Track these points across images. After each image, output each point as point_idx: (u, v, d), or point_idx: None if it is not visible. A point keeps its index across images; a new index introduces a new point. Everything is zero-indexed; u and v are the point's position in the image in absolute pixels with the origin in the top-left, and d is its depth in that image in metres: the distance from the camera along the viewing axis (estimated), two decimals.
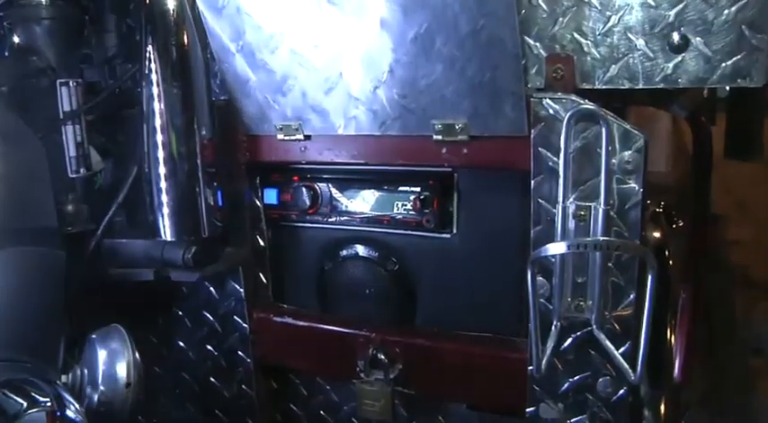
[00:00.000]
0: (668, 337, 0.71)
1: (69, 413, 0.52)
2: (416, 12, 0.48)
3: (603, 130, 0.46)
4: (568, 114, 0.47)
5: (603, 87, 0.50)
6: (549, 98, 0.48)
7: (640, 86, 0.50)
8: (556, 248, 0.44)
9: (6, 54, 0.59)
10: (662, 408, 0.67)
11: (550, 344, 0.46)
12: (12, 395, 0.47)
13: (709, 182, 0.94)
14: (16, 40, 0.59)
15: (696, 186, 0.95)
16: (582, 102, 0.48)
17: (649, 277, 0.44)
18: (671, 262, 0.83)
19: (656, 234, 0.88)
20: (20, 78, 0.56)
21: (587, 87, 0.51)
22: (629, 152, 0.47)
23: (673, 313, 0.76)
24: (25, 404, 0.48)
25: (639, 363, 0.45)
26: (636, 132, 0.46)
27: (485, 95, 0.49)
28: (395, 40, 0.50)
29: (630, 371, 0.45)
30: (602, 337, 0.47)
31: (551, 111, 0.48)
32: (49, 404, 0.50)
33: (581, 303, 0.48)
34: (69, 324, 0.58)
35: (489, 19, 0.47)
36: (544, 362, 0.44)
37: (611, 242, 0.44)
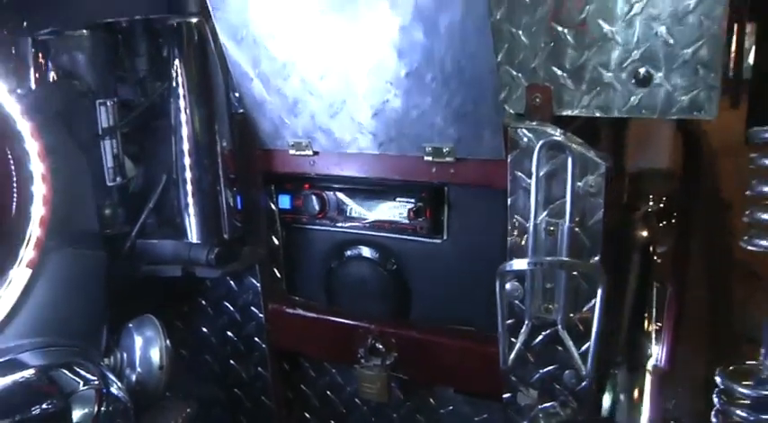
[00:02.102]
0: (647, 328, 0.79)
1: (113, 390, 0.62)
2: (409, 52, 0.56)
3: (570, 158, 0.54)
4: (539, 144, 0.54)
5: (578, 114, 0.58)
6: (525, 128, 0.55)
7: (609, 115, 0.57)
8: (519, 264, 0.53)
9: (51, 80, 0.68)
10: (636, 393, 0.75)
11: (521, 340, 0.55)
12: (68, 374, 0.58)
13: (698, 184, 1.01)
14: (60, 66, 0.68)
15: (684, 187, 1.02)
16: (552, 132, 0.55)
17: (599, 291, 0.52)
18: (655, 258, 0.91)
19: (644, 233, 0.95)
20: (65, 101, 0.65)
21: (564, 114, 0.59)
22: (593, 177, 0.55)
23: (658, 306, 0.84)
24: (81, 382, 0.58)
25: (590, 359, 0.53)
26: (598, 161, 0.54)
27: (468, 124, 0.57)
28: (391, 76, 0.58)
29: (583, 366, 0.53)
30: (565, 335, 0.56)
31: (525, 139, 0.55)
32: (96, 383, 0.61)
33: (549, 306, 0.57)
34: (109, 314, 0.68)
35: (470, 60, 0.54)
36: (512, 357, 0.53)
37: (565, 262, 0.52)
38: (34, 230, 0.57)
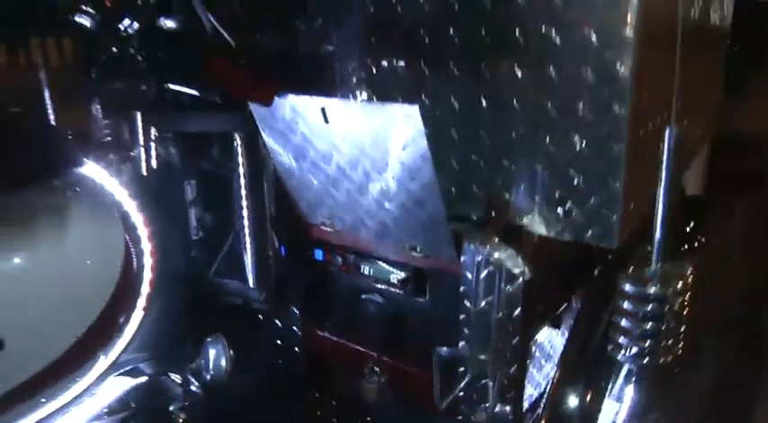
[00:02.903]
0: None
1: (193, 388, 0.92)
2: (388, 187, 0.77)
3: (497, 272, 0.74)
4: (478, 258, 0.75)
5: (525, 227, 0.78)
6: (471, 243, 0.76)
7: (545, 233, 0.76)
8: (452, 352, 0.75)
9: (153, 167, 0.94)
10: None
11: (457, 385, 0.78)
12: (167, 377, 0.88)
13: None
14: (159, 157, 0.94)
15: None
16: (488, 250, 0.74)
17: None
18: None
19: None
20: (163, 183, 0.92)
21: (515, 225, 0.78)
22: (514, 286, 0.75)
23: None
24: (174, 382, 0.88)
25: None
26: (518, 275, 0.74)
27: (430, 234, 0.78)
28: (381, 196, 0.79)
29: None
30: (491, 385, 0.78)
31: (472, 247, 0.76)
32: (182, 383, 0.91)
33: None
34: (192, 333, 0.98)
35: (416, 181, 0.74)
36: (444, 402, 0.76)
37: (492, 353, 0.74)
38: (145, 283, 0.86)
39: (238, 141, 0.89)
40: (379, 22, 0.77)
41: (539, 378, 1.03)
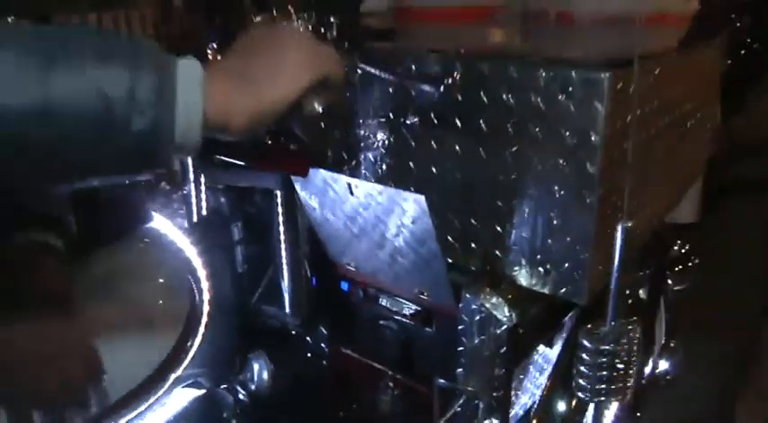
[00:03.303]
0: None
1: (240, 397, 1.12)
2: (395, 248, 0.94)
3: (488, 317, 0.91)
4: (473, 306, 0.92)
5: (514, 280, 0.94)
6: (468, 293, 0.93)
7: (530, 286, 0.93)
8: (449, 383, 0.93)
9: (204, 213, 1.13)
10: None
11: (454, 404, 0.96)
12: (219, 389, 1.08)
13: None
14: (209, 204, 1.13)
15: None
16: (481, 299, 0.89)
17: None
18: None
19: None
20: (213, 227, 1.11)
21: (507, 278, 0.95)
22: (501, 329, 0.92)
23: None
24: (226, 393, 1.08)
25: None
26: (503, 320, 0.91)
27: (434, 285, 0.93)
28: (395, 253, 0.96)
29: None
30: (481, 405, 0.96)
31: (468, 296, 0.93)
32: (231, 392, 1.11)
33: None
34: (239, 350, 1.18)
35: (423, 247, 0.91)
36: (442, 419, 0.94)
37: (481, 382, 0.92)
38: (204, 314, 1.05)
39: (278, 194, 1.07)
40: (396, 114, 0.94)
41: (533, 388, 1.21)
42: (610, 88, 0.76)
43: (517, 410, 1.16)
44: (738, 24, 4.34)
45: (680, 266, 1.67)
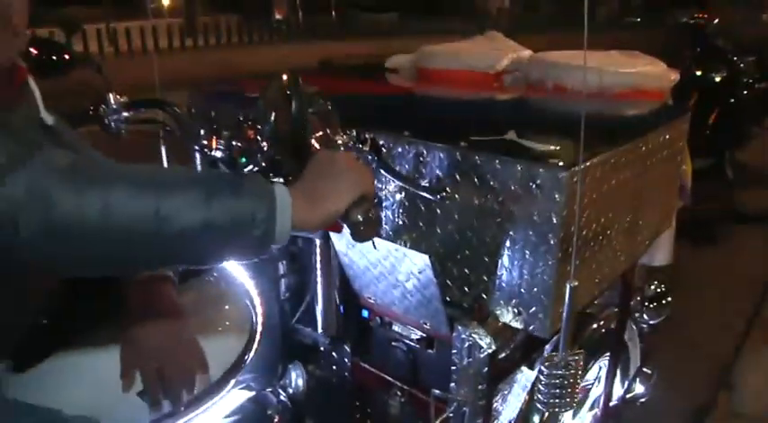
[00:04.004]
0: None
1: (282, 398, 1.43)
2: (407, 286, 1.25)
3: (474, 344, 1.21)
4: (463, 336, 1.22)
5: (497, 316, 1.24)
6: (459, 326, 1.23)
7: (504, 321, 1.23)
8: (442, 394, 1.23)
9: None
10: None
11: (447, 409, 1.26)
12: (266, 392, 1.39)
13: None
14: None
15: None
16: (469, 330, 1.21)
17: None
18: None
19: None
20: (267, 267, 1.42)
21: (491, 313, 1.25)
22: (483, 354, 1.22)
23: None
24: (271, 395, 1.39)
25: None
26: (485, 347, 1.21)
27: (434, 319, 1.24)
28: (405, 293, 1.27)
29: None
30: (467, 413, 1.25)
31: (460, 328, 1.23)
32: (274, 394, 1.42)
33: None
34: (280, 361, 1.48)
35: (426, 290, 1.22)
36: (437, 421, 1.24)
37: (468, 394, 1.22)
38: (258, 332, 1.36)
39: (317, 241, 1.38)
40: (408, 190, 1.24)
41: (515, 402, 1.50)
42: (566, 184, 1.06)
43: (502, 421, 1.46)
44: (742, 65, 4.60)
45: (654, 304, 1.95)
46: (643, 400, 1.96)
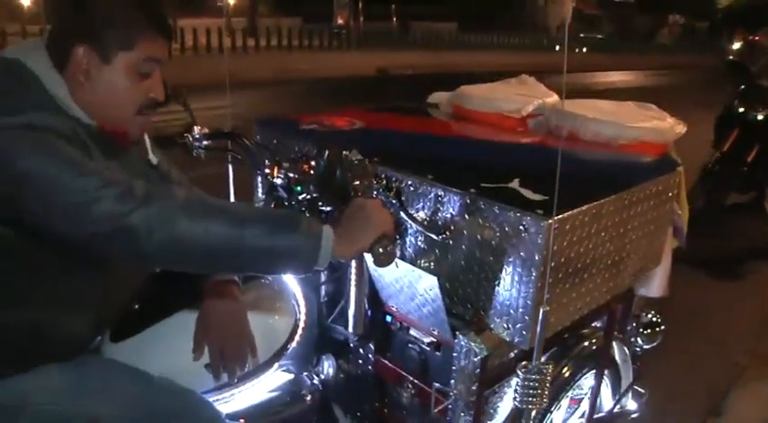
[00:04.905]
0: None
1: (315, 382, 1.76)
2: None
3: (471, 349, 1.51)
4: (462, 343, 1.52)
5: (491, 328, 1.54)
6: (460, 334, 1.53)
7: (497, 333, 1.53)
8: (444, 387, 1.54)
9: None
10: None
11: (445, 401, 1.56)
12: (302, 375, 1.72)
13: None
14: None
15: None
16: (468, 338, 1.52)
17: None
18: None
19: None
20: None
21: (487, 325, 1.55)
22: (478, 358, 1.52)
23: None
24: (305, 378, 1.73)
25: None
26: (478, 352, 1.51)
27: (440, 327, 1.53)
28: (419, 305, 1.58)
29: None
30: (462, 404, 1.55)
31: (461, 336, 1.54)
32: (309, 377, 1.75)
33: None
34: (316, 351, 1.82)
35: (434, 304, 1.53)
36: (437, 410, 1.55)
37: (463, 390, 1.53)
38: (301, 326, 1.70)
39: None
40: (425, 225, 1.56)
41: (508, 405, 1.80)
42: (546, 230, 1.36)
43: (497, 420, 1.75)
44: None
45: (648, 330, 2.21)
46: (634, 415, 2.20)
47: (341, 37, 18.02)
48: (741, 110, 4.96)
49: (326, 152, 1.30)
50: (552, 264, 1.37)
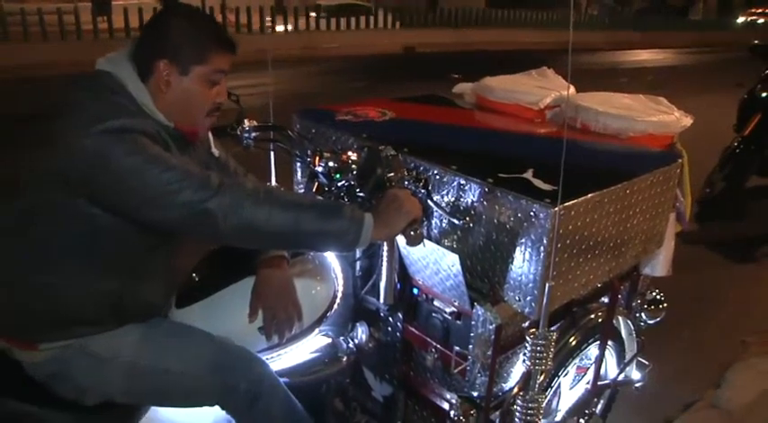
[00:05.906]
0: None
1: (350, 345, 2.02)
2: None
3: (487, 318, 1.75)
4: (479, 312, 1.76)
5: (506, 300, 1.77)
6: (478, 305, 1.76)
7: (510, 304, 1.76)
8: (462, 350, 1.79)
9: None
10: None
11: (463, 363, 1.80)
12: (339, 339, 1.98)
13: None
14: None
15: None
16: (485, 309, 1.75)
17: None
18: None
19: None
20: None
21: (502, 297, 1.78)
22: (492, 326, 1.75)
23: None
24: (342, 342, 1.98)
25: None
26: (493, 320, 1.74)
27: (461, 298, 1.75)
28: (443, 279, 1.82)
29: None
30: (478, 366, 1.80)
31: (478, 307, 1.77)
32: (345, 341, 2.01)
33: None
34: (350, 319, 2.06)
35: (456, 278, 1.77)
36: (457, 370, 1.79)
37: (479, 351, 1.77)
38: (339, 296, 1.94)
39: None
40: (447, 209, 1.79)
41: (520, 369, 2.03)
42: (554, 216, 1.58)
43: (510, 382, 1.99)
44: None
45: (652, 307, 2.42)
46: (638, 385, 2.42)
47: (369, 15, 18.09)
48: (764, 94, 5.05)
49: (366, 149, 1.53)
50: (558, 245, 1.59)
